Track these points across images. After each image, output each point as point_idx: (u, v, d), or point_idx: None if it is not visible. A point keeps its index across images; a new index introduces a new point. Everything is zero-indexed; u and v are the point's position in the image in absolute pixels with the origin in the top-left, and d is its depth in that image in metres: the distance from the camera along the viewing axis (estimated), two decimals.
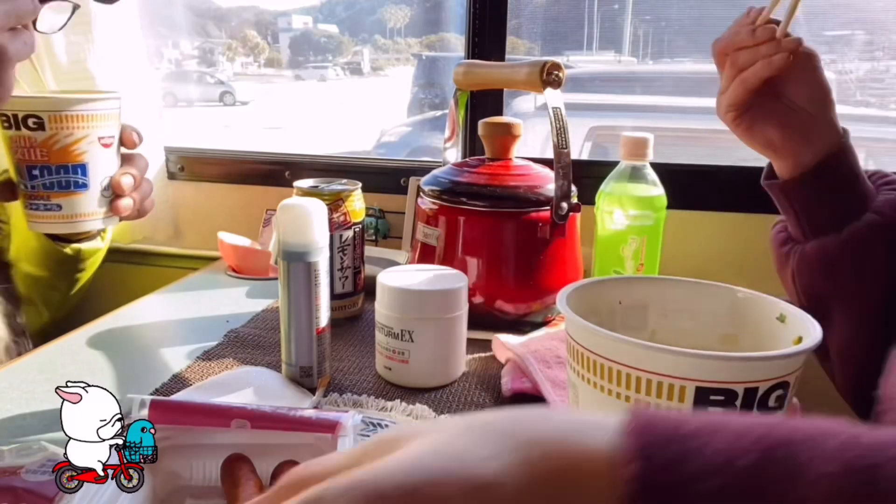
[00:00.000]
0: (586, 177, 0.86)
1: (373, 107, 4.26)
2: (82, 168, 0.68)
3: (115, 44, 1.01)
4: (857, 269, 0.59)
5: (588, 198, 0.82)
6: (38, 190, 0.67)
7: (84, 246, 0.83)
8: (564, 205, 0.73)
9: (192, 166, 1.17)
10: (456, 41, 1.29)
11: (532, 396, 0.60)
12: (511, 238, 0.74)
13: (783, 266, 0.64)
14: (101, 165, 0.68)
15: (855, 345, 0.59)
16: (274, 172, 1.13)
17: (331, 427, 0.43)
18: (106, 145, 0.69)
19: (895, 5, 1.43)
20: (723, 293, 0.41)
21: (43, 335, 0.81)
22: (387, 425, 0.55)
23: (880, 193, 0.62)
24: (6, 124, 0.66)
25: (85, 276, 0.87)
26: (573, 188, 0.75)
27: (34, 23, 0.59)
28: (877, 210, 0.60)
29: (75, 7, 0.66)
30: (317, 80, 5.13)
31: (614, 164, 0.84)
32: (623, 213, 0.81)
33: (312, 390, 0.61)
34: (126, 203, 0.72)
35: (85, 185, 0.68)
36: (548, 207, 0.74)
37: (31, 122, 0.65)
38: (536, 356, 0.63)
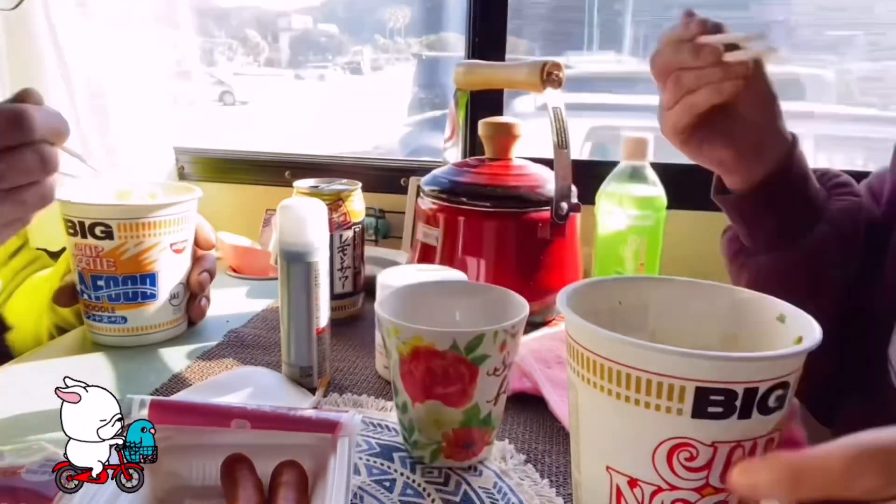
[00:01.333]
0: (586, 177, 0.86)
1: (373, 107, 4.26)
2: (151, 278, 0.64)
3: (121, 43, 1.01)
4: (812, 282, 0.59)
5: (588, 198, 0.82)
6: (101, 301, 0.64)
7: None
8: (564, 205, 0.73)
9: (193, 166, 1.17)
10: (456, 41, 1.29)
11: (532, 396, 0.60)
12: (511, 238, 0.74)
13: (736, 278, 0.64)
14: (172, 273, 0.65)
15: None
16: (274, 172, 1.13)
17: (331, 427, 0.43)
18: (178, 251, 0.66)
19: (895, 6, 1.43)
20: (723, 293, 0.41)
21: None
22: (387, 425, 0.56)
23: (831, 199, 0.60)
24: (71, 230, 0.63)
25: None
26: (573, 188, 0.75)
27: None
28: (830, 220, 0.59)
29: None
30: (317, 80, 5.13)
31: (614, 164, 0.84)
32: (623, 213, 0.81)
33: (312, 390, 0.61)
34: (202, 305, 0.70)
35: (153, 296, 0.65)
36: (548, 207, 0.74)
37: (98, 230, 0.62)
38: (536, 356, 0.63)
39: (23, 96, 0.50)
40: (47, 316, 0.75)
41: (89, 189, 0.70)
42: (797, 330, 0.36)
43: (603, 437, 0.35)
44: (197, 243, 0.72)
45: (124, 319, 0.66)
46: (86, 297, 0.65)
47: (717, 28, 0.52)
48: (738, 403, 0.31)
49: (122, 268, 0.64)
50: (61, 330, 0.76)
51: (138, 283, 0.65)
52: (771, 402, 0.32)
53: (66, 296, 0.69)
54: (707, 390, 0.31)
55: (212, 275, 0.73)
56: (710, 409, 0.32)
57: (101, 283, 0.64)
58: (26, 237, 0.87)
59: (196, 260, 0.71)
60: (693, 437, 0.32)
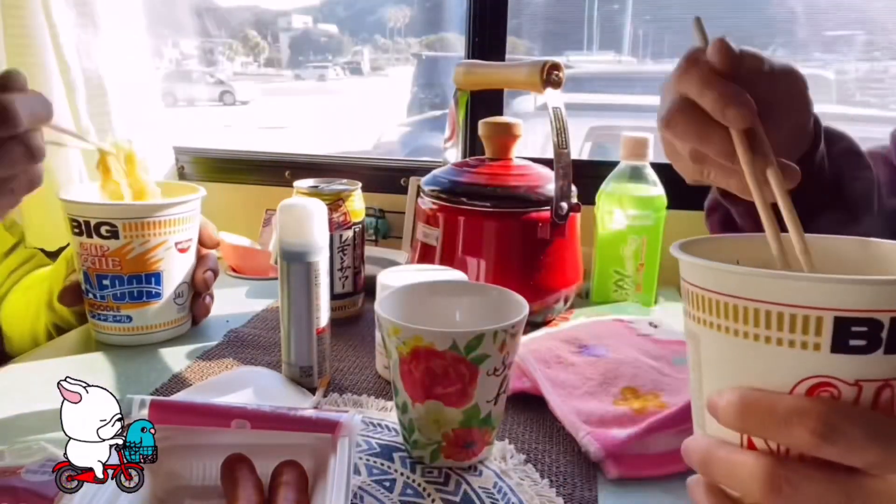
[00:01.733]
0: (586, 177, 0.86)
1: (373, 107, 4.27)
2: (156, 277, 0.64)
3: (120, 43, 1.01)
4: None
5: (588, 198, 0.82)
6: (107, 300, 0.64)
7: None
8: (564, 205, 0.73)
9: (193, 166, 1.17)
10: (456, 41, 1.29)
11: (532, 396, 0.60)
12: (511, 238, 0.74)
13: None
14: (177, 272, 0.65)
15: None
16: (274, 172, 1.13)
17: (331, 427, 0.43)
18: (183, 250, 0.66)
19: (895, 5, 1.43)
20: (854, 245, 0.37)
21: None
22: (387, 425, 0.56)
23: (845, 177, 0.54)
24: (77, 230, 0.63)
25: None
26: (573, 188, 0.75)
27: None
28: (844, 206, 0.53)
29: None
30: (316, 80, 5.14)
31: (614, 164, 0.84)
32: (623, 213, 0.81)
33: (312, 390, 0.61)
34: (206, 303, 0.70)
35: (158, 295, 0.65)
36: (548, 207, 0.74)
37: (104, 229, 0.62)
38: (536, 356, 0.63)
39: (4, 80, 0.49)
40: (45, 314, 0.75)
41: (92, 188, 0.70)
42: None
43: (733, 385, 0.32)
44: (201, 242, 0.72)
45: (129, 318, 0.66)
46: (91, 296, 0.65)
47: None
48: (883, 335, 0.28)
49: (127, 267, 0.64)
50: (59, 329, 0.76)
51: (143, 283, 0.65)
52: None
53: (70, 295, 0.69)
54: (848, 321, 0.28)
55: (215, 273, 0.73)
56: (853, 343, 0.28)
57: (106, 282, 0.64)
58: (22, 235, 0.87)
59: (199, 259, 0.71)
60: (834, 374, 0.29)
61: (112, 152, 0.67)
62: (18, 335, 0.78)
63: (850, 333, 0.28)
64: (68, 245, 0.71)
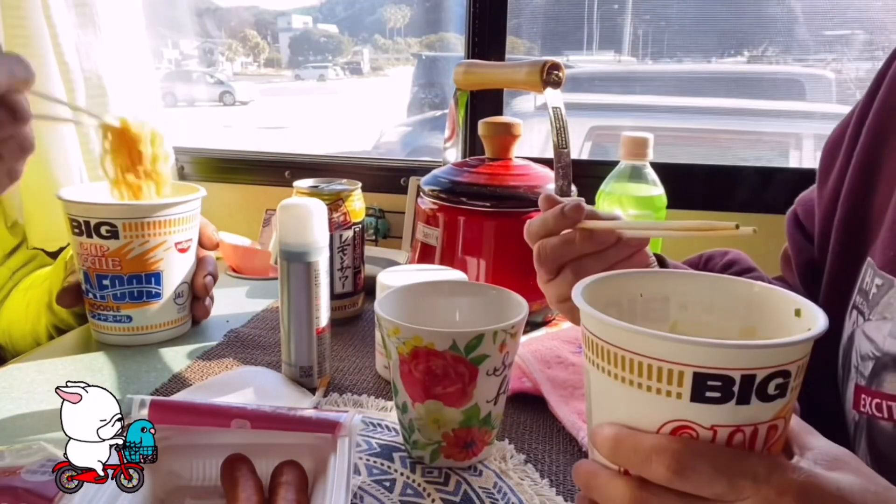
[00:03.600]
0: (586, 177, 0.86)
1: (373, 107, 4.26)
2: (156, 277, 0.64)
3: (120, 43, 1.01)
4: None
5: (588, 198, 0.81)
6: (107, 300, 0.64)
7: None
8: None
9: (193, 166, 1.17)
10: (456, 41, 1.29)
11: (532, 396, 0.60)
12: (511, 238, 0.74)
13: None
14: (177, 272, 0.65)
15: None
16: (274, 172, 1.13)
17: (331, 427, 0.43)
18: (183, 251, 0.65)
19: (895, 5, 1.43)
20: (742, 287, 0.42)
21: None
22: (387, 425, 0.56)
23: None
24: (77, 230, 0.63)
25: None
26: (573, 188, 0.75)
27: None
28: None
29: None
30: (316, 80, 5.14)
31: (614, 164, 0.84)
32: (623, 213, 0.81)
33: (312, 390, 0.61)
34: (206, 306, 0.70)
35: (158, 295, 0.65)
36: None
37: (104, 229, 0.62)
38: (536, 356, 0.63)
39: None
40: (45, 316, 0.75)
41: (93, 188, 0.70)
42: (810, 323, 0.37)
43: (613, 419, 0.36)
44: (200, 243, 0.72)
45: (129, 318, 0.66)
46: (91, 296, 0.65)
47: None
48: (735, 389, 0.32)
49: (127, 267, 0.64)
50: (60, 330, 0.76)
51: (143, 283, 0.65)
52: (771, 389, 0.33)
53: (69, 296, 0.69)
54: (705, 376, 0.32)
55: (215, 277, 0.73)
56: (709, 394, 0.33)
57: (106, 282, 0.64)
58: (24, 236, 0.87)
59: (199, 262, 0.71)
60: (693, 420, 0.33)
61: (115, 125, 0.63)
62: (20, 336, 0.78)
63: (706, 387, 0.32)
64: (68, 245, 0.71)
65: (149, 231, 0.64)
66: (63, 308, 0.71)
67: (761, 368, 0.32)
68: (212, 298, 0.74)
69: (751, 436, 0.34)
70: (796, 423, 0.37)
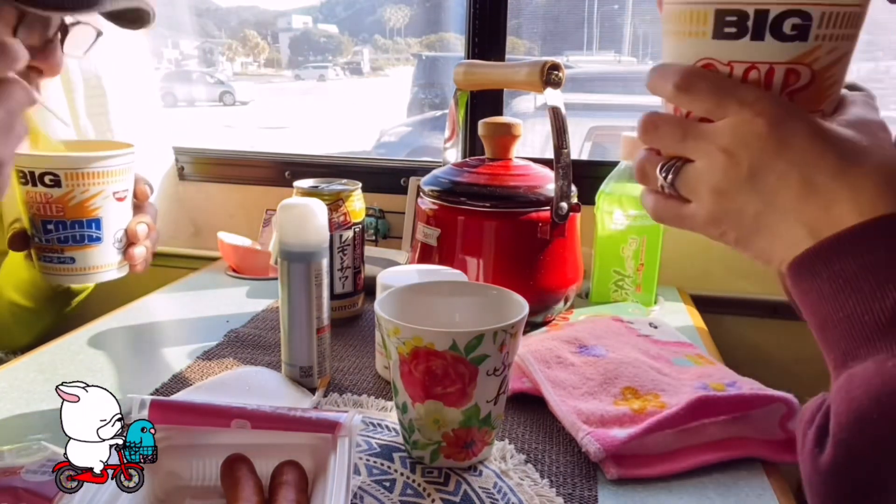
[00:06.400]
0: (586, 177, 0.86)
1: (373, 107, 4.27)
2: (96, 222, 0.69)
3: (120, 43, 1.01)
4: None
5: (588, 198, 0.82)
6: (52, 244, 0.68)
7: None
8: (564, 205, 0.73)
9: (193, 166, 1.17)
10: (456, 41, 1.29)
11: (532, 396, 0.60)
12: (511, 238, 0.74)
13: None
14: (115, 219, 0.69)
15: None
16: (274, 172, 1.13)
17: (331, 427, 0.43)
18: (120, 199, 0.70)
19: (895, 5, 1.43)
20: None
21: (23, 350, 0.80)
22: (387, 425, 0.56)
23: None
24: (23, 180, 0.67)
25: (72, 308, 0.85)
26: (573, 188, 0.75)
27: (62, 42, 0.58)
28: None
29: (99, 33, 0.66)
30: (316, 80, 5.14)
31: (614, 164, 0.84)
32: (623, 213, 0.81)
33: (312, 390, 0.61)
34: (139, 251, 0.72)
35: (99, 239, 0.69)
36: (548, 207, 0.74)
37: (47, 179, 0.66)
38: (536, 356, 0.63)
39: None
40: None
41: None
42: None
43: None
44: (135, 195, 0.73)
45: (73, 260, 0.69)
46: (37, 240, 0.70)
47: None
48: (749, 24, 0.36)
49: (69, 213, 0.68)
50: (17, 314, 0.79)
51: (84, 227, 0.69)
52: (786, 28, 0.35)
53: (18, 240, 0.72)
54: (723, 12, 0.36)
55: (150, 226, 0.73)
56: (726, 30, 0.36)
57: (50, 226, 0.68)
58: None
59: (137, 209, 0.73)
60: (714, 56, 0.37)
61: None
62: None
63: (724, 23, 0.37)
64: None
65: (88, 181, 0.68)
66: (13, 250, 0.74)
67: (774, 4, 0.35)
68: (148, 249, 0.73)
69: (766, 74, 0.37)
70: (861, 105, 0.39)
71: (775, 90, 0.37)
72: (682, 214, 0.40)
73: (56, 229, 0.68)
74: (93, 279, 0.71)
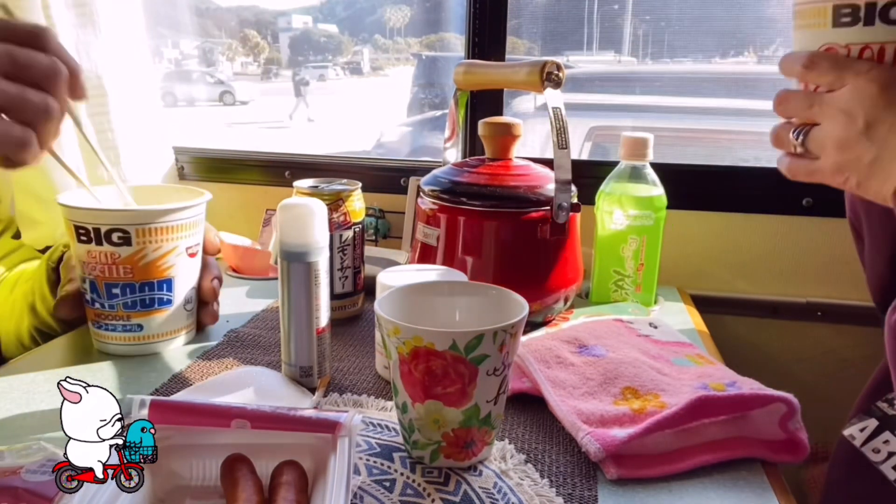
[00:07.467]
0: (586, 177, 0.86)
1: (373, 107, 4.26)
2: (168, 283, 0.62)
3: (120, 43, 1.01)
4: None
5: (588, 198, 0.82)
6: (116, 310, 0.62)
7: None
8: (564, 205, 0.73)
9: (193, 166, 1.17)
10: (456, 41, 1.29)
11: (532, 396, 0.60)
12: (511, 238, 0.74)
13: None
14: (187, 277, 0.64)
15: None
16: (274, 172, 1.13)
17: (331, 427, 0.43)
18: (192, 255, 0.64)
19: None
20: None
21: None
22: (387, 425, 0.56)
23: None
24: (83, 237, 0.60)
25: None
26: (573, 188, 0.75)
27: None
28: None
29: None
30: (316, 80, 5.13)
31: (614, 164, 0.84)
32: (623, 213, 0.81)
33: (312, 390, 0.61)
34: (215, 310, 0.68)
35: (170, 302, 0.63)
36: (548, 207, 0.74)
37: (115, 236, 0.59)
38: (536, 356, 0.63)
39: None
40: (28, 317, 0.73)
41: (95, 191, 0.65)
42: None
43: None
44: (204, 248, 0.71)
45: (140, 327, 0.64)
46: (98, 305, 0.63)
47: None
48: (861, 14, 0.46)
49: (139, 274, 0.62)
50: (42, 333, 0.74)
51: (155, 290, 0.63)
52: (892, 14, 0.45)
53: (68, 306, 0.66)
54: (839, 6, 0.47)
55: (220, 281, 0.72)
56: (843, 20, 0.46)
57: (116, 290, 0.62)
58: (10, 223, 0.84)
59: (204, 266, 0.70)
60: (834, 41, 0.47)
61: None
62: (4, 334, 0.76)
63: (840, 14, 0.47)
64: (50, 248, 0.69)
65: (161, 237, 0.62)
66: (59, 318, 0.69)
67: None
68: (218, 303, 0.73)
69: (878, 52, 0.46)
70: None
71: (886, 63, 0.45)
72: (812, 169, 0.50)
73: (122, 293, 0.61)
74: (159, 348, 0.65)
